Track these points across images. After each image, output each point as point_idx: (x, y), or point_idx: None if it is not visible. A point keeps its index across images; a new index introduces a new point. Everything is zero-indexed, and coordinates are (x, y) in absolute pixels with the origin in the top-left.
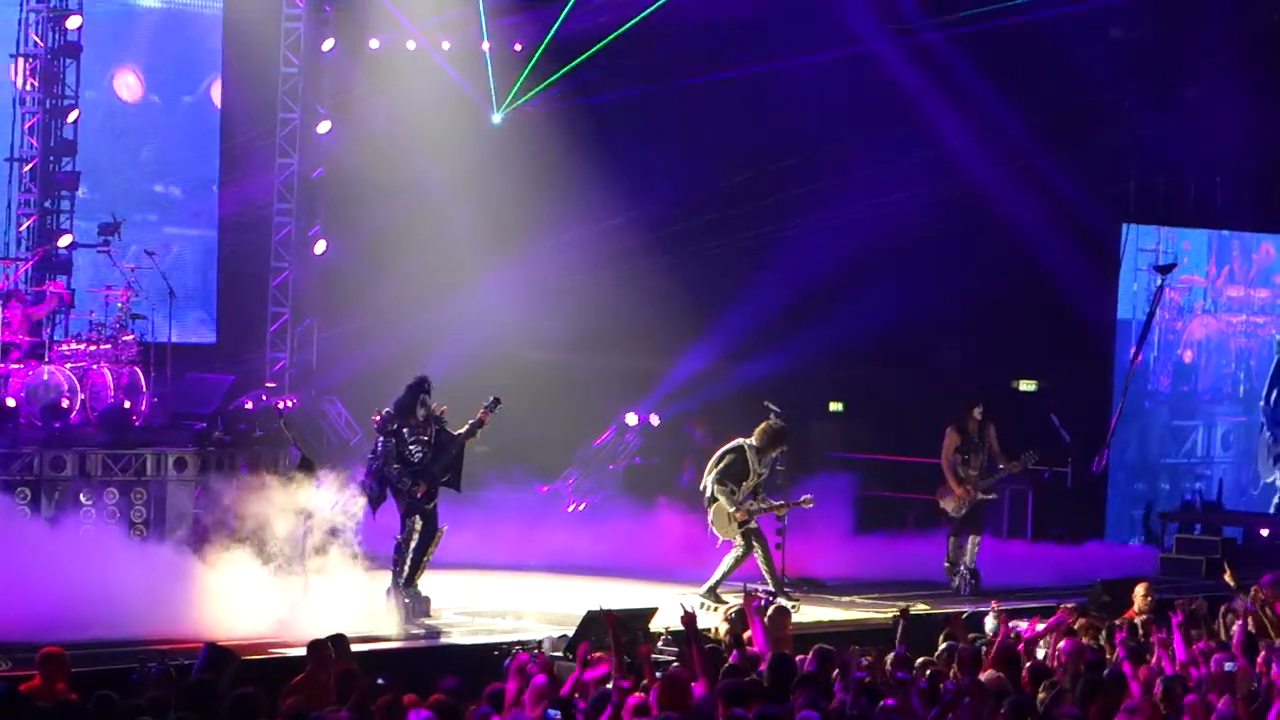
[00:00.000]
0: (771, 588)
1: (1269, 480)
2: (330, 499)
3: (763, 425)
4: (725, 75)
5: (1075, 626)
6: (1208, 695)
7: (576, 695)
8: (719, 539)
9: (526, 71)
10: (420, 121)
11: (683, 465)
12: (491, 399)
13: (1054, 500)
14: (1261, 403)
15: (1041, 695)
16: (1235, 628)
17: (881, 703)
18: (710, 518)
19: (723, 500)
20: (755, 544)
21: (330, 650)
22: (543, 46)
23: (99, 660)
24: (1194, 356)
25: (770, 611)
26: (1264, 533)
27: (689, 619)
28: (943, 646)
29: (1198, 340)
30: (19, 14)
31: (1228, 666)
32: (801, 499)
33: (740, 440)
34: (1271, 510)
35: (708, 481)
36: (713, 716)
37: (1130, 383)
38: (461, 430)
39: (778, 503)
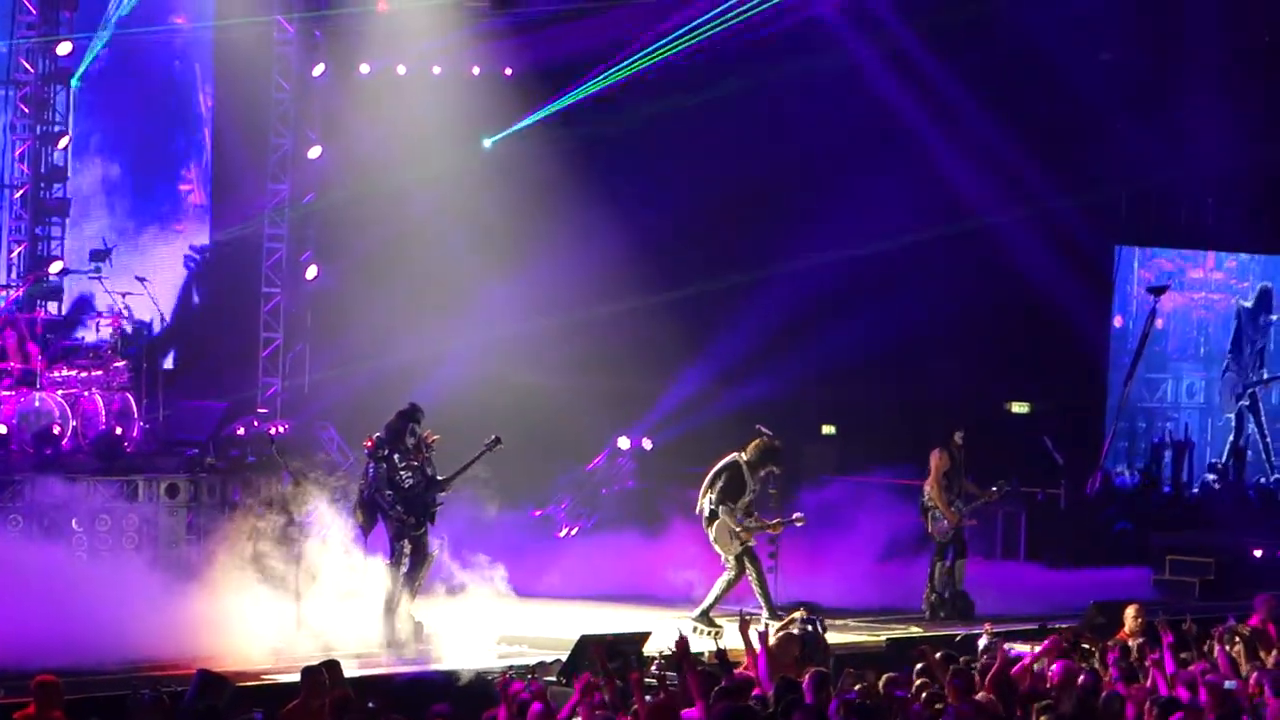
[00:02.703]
0: (765, 611)
1: (1228, 415)
2: (322, 524)
3: (755, 441)
4: (717, 99)
5: (1069, 648)
6: (1206, 715)
7: None
8: (723, 557)
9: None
10: (411, 146)
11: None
12: (492, 438)
13: (1047, 522)
14: (1229, 352)
15: (1040, 719)
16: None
17: None
18: (712, 536)
19: (725, 518)
20: (750, 565)
21: (324, 676)
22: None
23: (93, 687)
24: (1164, 323)
25: (777, 639)
26: (1257, 554)
27: (682, 644)
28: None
29: (1167, 311)
30: (8, 41)
31: (1228, 685)
32: (793, 517)
33: (734, 455)
34: (1222, 458)
35: (704, 503)
36: None
37: (1124, 405)
38: (450, 476)
39: (772, 521)
